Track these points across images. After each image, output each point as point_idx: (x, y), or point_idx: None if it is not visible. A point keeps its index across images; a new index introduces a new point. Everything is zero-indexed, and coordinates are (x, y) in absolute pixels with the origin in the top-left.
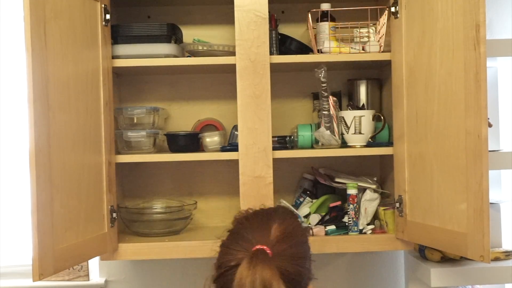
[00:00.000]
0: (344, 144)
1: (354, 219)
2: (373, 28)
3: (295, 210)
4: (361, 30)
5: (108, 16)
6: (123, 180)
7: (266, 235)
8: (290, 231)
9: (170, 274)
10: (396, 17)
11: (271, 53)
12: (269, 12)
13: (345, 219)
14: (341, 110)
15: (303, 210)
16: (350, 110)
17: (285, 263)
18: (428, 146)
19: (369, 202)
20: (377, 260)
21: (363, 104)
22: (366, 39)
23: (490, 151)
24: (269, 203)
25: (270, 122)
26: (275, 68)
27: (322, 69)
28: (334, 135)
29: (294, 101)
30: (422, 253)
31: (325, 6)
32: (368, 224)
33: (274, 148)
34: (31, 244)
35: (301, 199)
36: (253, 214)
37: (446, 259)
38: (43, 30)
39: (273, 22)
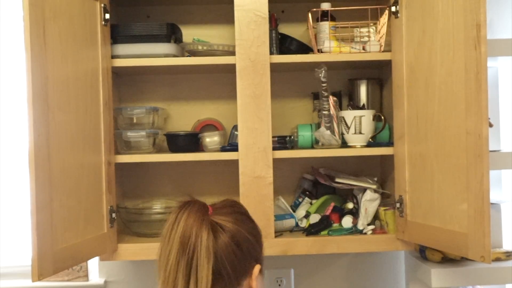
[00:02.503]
0: (344, 144)
1: None
2: (374, 27)
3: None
4: (362, 29)
5: (107, 16)
6: (122, 180)
7: (213, 204)
8: (233, 203)
9: None
10: (396, 17)
11: (271, 53)
12: (269, 11)
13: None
14: (341, 110)
15: (301, 212)
16: (350, 110)
17: (225, 221)
18: (428, 146)
19: (370, 202)
20: (378, 260)
21: (364, 104)
22: (366, 38)
23: (490, 151)
24: (269, 203)
25: (270, 122)
26: (275, 68)
27: (322, 69)
28: (334, 135)
29: (294, 101)
30: (423, 253)
31: (326, 6)
32: (368, 225)
33: (274, 148)
34: (30, 245)
35: (300, 200)
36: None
37: (446, 260)
38: (43, 30)
39: (273, 21)
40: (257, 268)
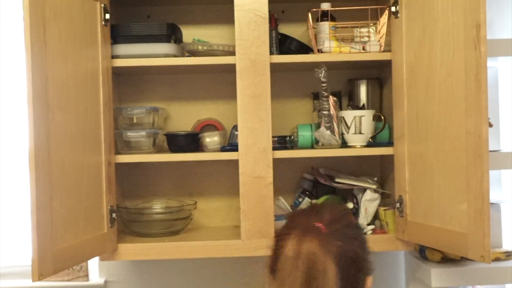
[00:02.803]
0: (344, 144)
1: None
2: (374, 27)
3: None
4: (362, 29)
5: (107, 16)
6: (122, 180)
7: (319, 216)
8: (341, 214)
9: (170, 274)
10: (396, 17)
11: (271, 53)
12: (269, 11)
13: None
14: (341, 110)
15: None
16: (350, 110)
17: (340, 241)
18: (428, 146)
19: (369, 202)
20: (378, 260)
21: (363, 104)
22: (366, 38)
23: (490, 151)
24: (269, 203)
25: (270, 122)
26: (275, 68)
27: (322, 69)
28: (334, 135)
29: (294, 101)
30: (423, 253)
31: (325, 6)
32: (368, 224)
33: (274, 148)
34: (30, 244)
35: (300, 200)
36: (310, 206)
37: (446, 260)
38: (43, 30)
39: (273, 21)
40: (369, 280)
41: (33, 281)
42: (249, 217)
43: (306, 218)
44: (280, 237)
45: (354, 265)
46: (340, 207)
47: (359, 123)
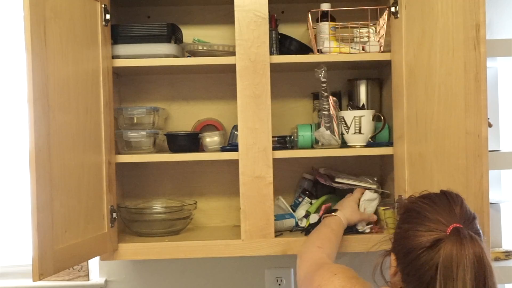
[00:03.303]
0: (344, 144)
1: None
2: (373, 28)
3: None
4: (361, 30)
5: (108, 16)
6: (123, 180)
7: (452, 215)
8: (471, 212)
9: (170, 274)
10: (396, 17)
11: (271, 53)
12: (269, 12)
13: None
14: (341, 110)
15: (300, 211)
16: (350, 110)
17: (481, 239)
18: (428, 146)
19: (369, 202)
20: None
21: (363, 104)
22: (366, 39)
23: (490, 151)
24: (269, 203)
25: (270, 122)
26: (275, 68)
27: (322, 69)
28: (334, 135)
29: (294, 101)
30: None
31: (325, 6)
32: (367, 224)
33: (274, 148)
34: (31, 244)
35: (300, 199)
36: (424, 197)
37: None
38: (43, 30)
39: (273, 22)
40: None
41: (34, 280)
42: (249, 217)
43: (441, 215)
44: (416, 231)
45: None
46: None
47: (359, 123)
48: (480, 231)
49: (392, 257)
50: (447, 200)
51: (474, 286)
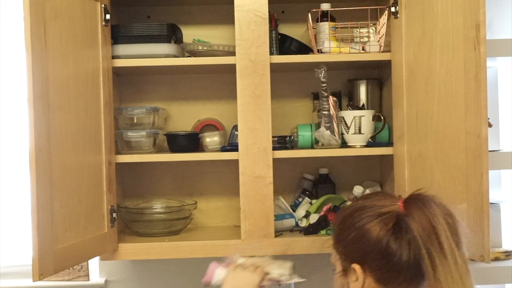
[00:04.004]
0: (344, 144)
1: None
2: (373, 28)
3: None
4: (361, 30)
5: (108, 16)
6: (123, 180)
7: (394, 198)
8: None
9: (170, 274)
10: (396, 17)
11: (271, 53)
12: (269, 12)
13: None
14: (341, 110)
15: (300, 211)
16: (350, 110)
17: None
18: (428, 146)
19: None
20: None
21: (363, 104)
22: (366, 39)
23: (490, 151)
24: (269, 203)
25: (270, 122)
26: (275, 68)
27: (322, 69)
28: (334, 135)
29: (294, 101)
30: None
31: (325, 6)
32: None
33: (274, 148)
34: (31, 244)
35: (300, 199)
36: (359, 199)
37: None
38: (43, 30)
39: (273, 22)
40: None
41: (34, 280)
42: (249, 217)
43: (384, 201)
44: (370, 226)
45: None
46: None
47: (359, 123)
48: None
49: (356, 268)
50: (384, 193)
51: (453, 234)
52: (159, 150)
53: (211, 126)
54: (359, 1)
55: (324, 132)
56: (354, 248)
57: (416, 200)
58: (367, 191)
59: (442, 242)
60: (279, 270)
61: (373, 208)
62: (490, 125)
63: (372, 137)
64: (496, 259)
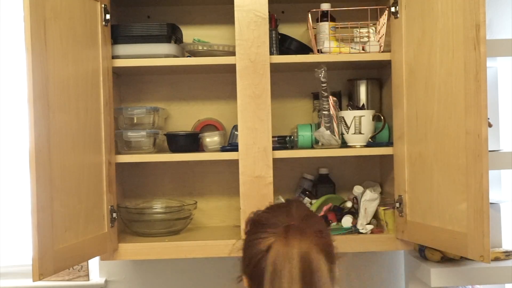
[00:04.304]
0: (344, 144)
1: None
2: (373, 28)
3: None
4: (361, 30)
5: (108, 16)
6: (123, 180)
7: (290, 215)
8: (308, 210)
9: (170, 274)
10: (396, 17)
11: (271, 53)
12: (269, 12)
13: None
14: (341, 110)
15: None
16: (350, 110)
17: (317, 236)
18: (428, 146)
19: (369, 202)
20: (377, 260)
21: (363, 104)
22: (366, 39)
23: (490, 151)
24: (269, 203)
25: (270, 122)
26: (275, 68)
27: (322, 69)
28: (334, 135)
29: (294, 101)
30: (422, 253)
31: (325, 6)
32: (367, 224)
33: (274, 148)
34: (31, 244)
35: (300, 199)
36: (268, 207)
37: (446, 259)
38: (43, 30)
39: (273, 22)
40: (336, 267)
41: (34, 280)
42: None
43: (276, 220)
44: (256, 240)
45: (331, 255)
46: (301, 201)
47: (359, 123)
48: (322, 227)
49: (244, 281)
50: (285, 204)
51: (301, 281)
52: (159, 150)
53: (211, 126)
54: (359, 1)
55: (324, 132)
56: (244, 256)
57: (289, 231)
58: (367, 191)
59: (283, 281)
60: None
61: (267, 224)
62: (490, 125)
63: (372, 137)
64: (496, 259)
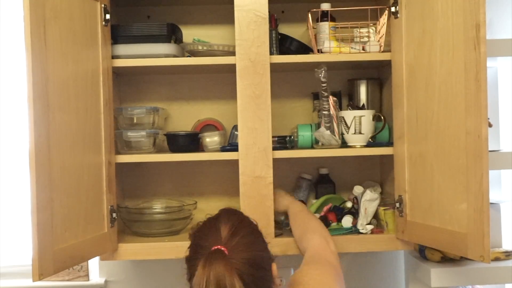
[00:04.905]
0: (344, 144)
1: None
2: (373, 28)
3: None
4: (361, 30)
5: (108, 16)
6: (123, 180)
7: (218, 236)
8: (236, 225)
9: (170, 274)
10: (396, 17)
11: (271, 53)
12: (269, 12)
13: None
14: (341, 110)
15: None
16: (350, 110)
17: (241, 254)
18: (428, 146)
19: (369, 202)
20: (377, 260)
21: (363, 104)
22: (366, 39)
23: (490, 151)
24: (269, 203)
25: (270, 122)
26: (275, 68)
27: (322, 69)
28: (334, 135)
29: (294, 101)
30: (422, 253)
31: (325, 6)
32: (367, 224)
33: (274, 148)
34: (31, 244)
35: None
36: (202, 224)
37: (446, 259)
38: (43, 30)
39: (273, 22)
40: (274, 267)
41: (34, 281)
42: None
43: (206, 242)
44: (191, 260)
45: (260, 267)
46: (232, 212)
47: (359, 123)
48: (251, 238)
49: None
50: (214, 220)
51: None
52: (159, 150)
53: (211, 126)
54: (359, 1)
55: (324, 132)
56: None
57: (208, 257)
58: (367, 191)
59: None
60: None
61: (199, 247)
62: (490, 125)
63: (372, 137)
64: (496, 259)
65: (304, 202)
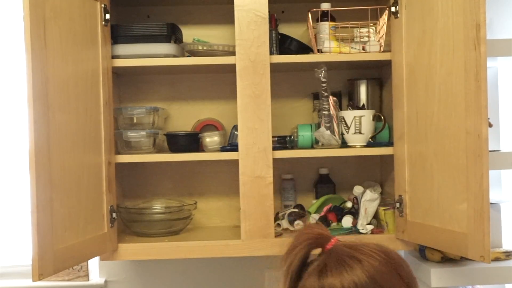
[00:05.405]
0: (344, 144)
1: None
2: (373, 28)
3: None
4: (361, 30)
5: (108, 16)
6: (123, 180)
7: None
8: None
9: (170, 274)
10: (396, 17)
11: (271, 53)
12: (269, 12)
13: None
14: (341, 110)
15: None
16: (350, 110)
17: None
18: (428, 146)
19: (369, 202)
20: None
21: (363, 104)
22: (366, 39)
23: (490, 151)
24: (269, 203)
25: (270, 122)
26: (275, 68)
27: (322, 69)
28: (334, 135)
29: (294, 101)
30: (422, 253)
31: (325, 6)
32: (367, 225)
33: (274, 148)
34: (31, 244)
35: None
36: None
37: (446, 259)
38: (43, 30)
39: (273, 22)
40: None
41: (33, 281)
42: (249, 217)
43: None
44: None
45: None
46: None
47: (359, 123)
48: None
49: None
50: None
51: None
52: (159, 150)
53: (211, 126)
54: (359, 1)
55: (324, 132)
56: None
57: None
58: (367, 191)
59: None
60: None
61: None
62: (490, 125)
63: (372, 137)
64: (496, 259)
65: (295, 203)
